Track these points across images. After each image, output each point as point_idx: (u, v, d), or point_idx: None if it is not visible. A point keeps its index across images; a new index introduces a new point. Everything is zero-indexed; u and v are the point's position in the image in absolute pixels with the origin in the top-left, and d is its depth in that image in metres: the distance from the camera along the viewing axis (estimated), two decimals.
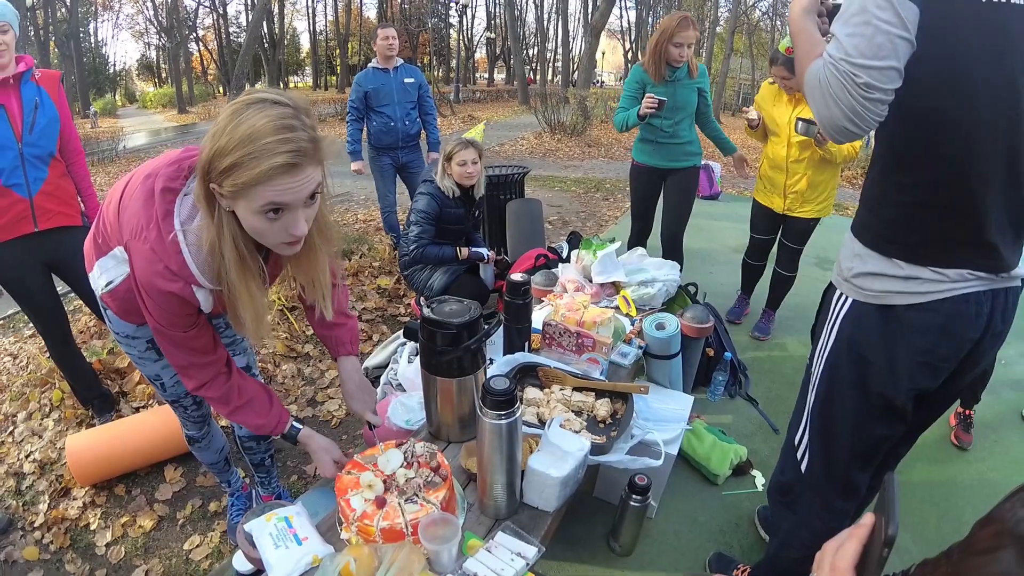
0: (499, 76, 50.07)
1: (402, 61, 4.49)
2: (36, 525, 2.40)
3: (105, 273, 1.40)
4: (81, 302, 3.54)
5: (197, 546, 2.24)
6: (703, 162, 7.71)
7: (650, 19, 41.94)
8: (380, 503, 1.35)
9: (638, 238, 3.94)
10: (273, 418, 1.57)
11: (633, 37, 45.61)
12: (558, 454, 1.46)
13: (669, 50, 3.25)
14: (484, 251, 3.52)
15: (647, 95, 3.30)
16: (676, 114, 3.43)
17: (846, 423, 1.42)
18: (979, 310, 1.22)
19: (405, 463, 1.45)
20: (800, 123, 3.00)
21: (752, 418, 2.89)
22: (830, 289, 1.46)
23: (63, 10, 28.82)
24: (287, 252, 1.26)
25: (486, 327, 1.65)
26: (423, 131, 4.66)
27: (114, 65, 45.39)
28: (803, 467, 1.59)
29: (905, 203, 1.21)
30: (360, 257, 4.82)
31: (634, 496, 1.90)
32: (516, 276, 2.11)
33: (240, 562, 1.49)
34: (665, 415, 2.17)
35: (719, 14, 26.38)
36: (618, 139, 14.21)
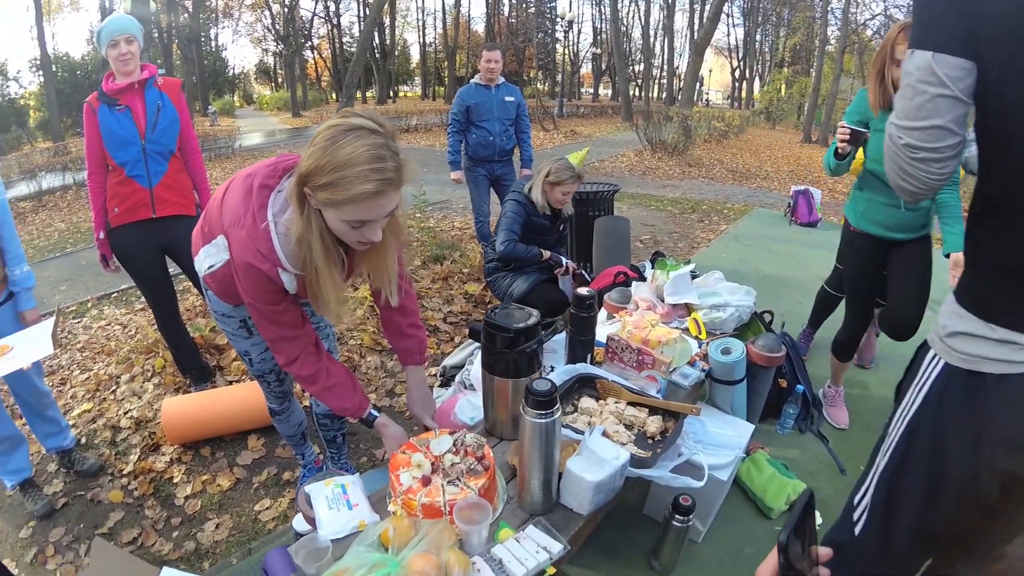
0: (604, 92, 50.01)
1: (503, 80, 4.70)
2: (124, 472, 2.69)
3: (208, 258, 1.60)
4: (190, 283, 3.91)
5: (267, 508, 2.45)
6: (803, 187, 7.50)
7: (758, 36, 40.77)
8: (425, 481, 1.48)
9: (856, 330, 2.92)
10: (355, 403, 1.74)
11: (741, 55, 44.44)
12: (595, 460, 1.52)
13: (893, 70, 2.38)
14: (564, 258, 3.60)
15: (840, 125, 2.50)
16: None
17: (914, 497, 1.25)
18: None
19: (453, 449, 1.57)
20: None
21: (820, 456, 2.78)
22: (924, 347, 1.31)
23: (185, 15, 31.35)
24: (359, 248, 1.46)
25: (542, 334, 1.74)
26: (518, 147, 4.85)
27: (233, 68, 48.39)
28: (856, 530, 1.43)
29: (1000, 262, 1.08)
30: (451, 263, 5.04)
31: (676, 516, 1.92)
32: (582, 290, 2.19)
33: (300, 523, 1.65)
34: (720, 440, 2.17)
35: (829, 33, 25.10)
36: (720, 160, 13.93)
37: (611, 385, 1.99)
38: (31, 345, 1.70)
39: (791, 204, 7.53)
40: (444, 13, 43.57)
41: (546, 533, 1.46)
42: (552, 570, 1.39)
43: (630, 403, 1.94)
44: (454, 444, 1.59)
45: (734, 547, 2.25)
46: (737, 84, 47.43)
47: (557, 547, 1.42)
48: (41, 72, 27.08)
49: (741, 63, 45.30)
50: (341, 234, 1.38)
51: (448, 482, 1.48)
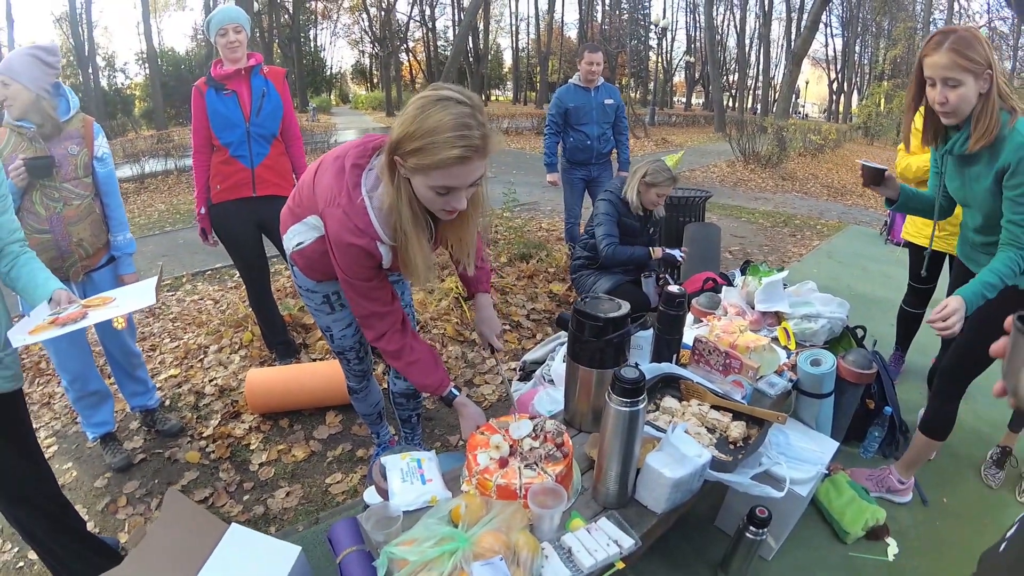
0: (696, 101, 48.96)
1: (603, 80, 4.58)
2: (203, 435, 2.81)
3: (297, 236, 1.70)
4: (283, 264, 4.04)
5: (338, 482, 2.50)
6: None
7: (857, 47, 38.84)
8: (503, 463, 1.47)
9: None
10: (437, 379, 1.76)
11: (839, 67, 42.45)
12: (676, 456, 1.46)
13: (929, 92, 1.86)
14: (677, 253, 3.53)
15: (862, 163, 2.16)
16: None
17: None
18: None
19: (533, 434, 1.55)
20: None
21: None
22: None
23: (286, 16, 32.72)
24: (445, 218, 1.50)
25: (630, 326, 1.70)
26: (614, 150, 4.75)
27: (330, 68, 50.11)
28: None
29: None
30: (538, 262, 5.05)
31: (751, 527, 1.82)
32: (673, 288, 2.12)
33: (371, 496, 1.67)
34: (803, 455, 2.04)
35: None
36: (814, 174, 13.36)
37: (695, 387, 1.92)
38: (133, 298, 1.79)
39: (887, 223, 7.13)
40: (537, 19, 43.74)
41: (618, 527, 1.42)
42: (621, 564, 1.35)
43: (713, 406, 1.87)
44: (534, 430, 1.58)
45: (805, 570, 2.12)
46: (835, 97, 45.35)
47: (628, 542, 1.38)
48: (147, 65, 29.13)
49: (839, 75, 43.28)
50: (428, 202, 1.41)
51: (525, 466, 1.47)
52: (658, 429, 1.69)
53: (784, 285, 2.69)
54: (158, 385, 3.21)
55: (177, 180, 11.57)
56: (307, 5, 37.56)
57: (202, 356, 3.60)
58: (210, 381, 3.26)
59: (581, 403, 1.81)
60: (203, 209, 3.00)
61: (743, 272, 3.66)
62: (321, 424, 2.86)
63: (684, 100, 49.31)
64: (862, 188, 2.69)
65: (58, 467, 2.70)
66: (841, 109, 43.50)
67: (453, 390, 1.79)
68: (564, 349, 2.66)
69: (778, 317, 2.61)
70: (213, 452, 2.69)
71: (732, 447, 1.74)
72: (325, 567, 2.01)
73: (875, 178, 2.09)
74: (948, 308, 1.77)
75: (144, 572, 1.56)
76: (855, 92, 42.57)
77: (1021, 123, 1.73)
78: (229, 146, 2.87)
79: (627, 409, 1.36)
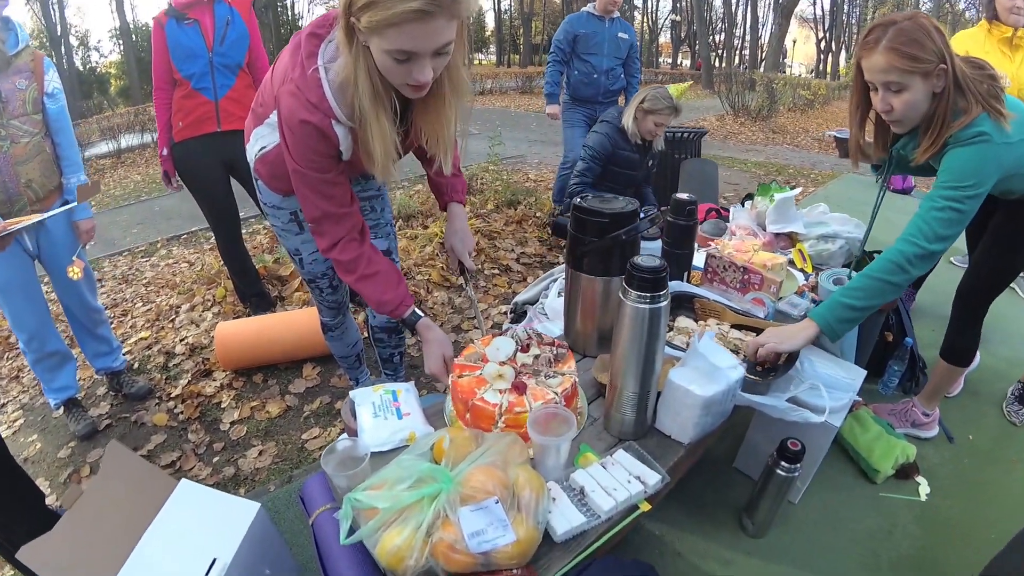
0: (683, 62, 48.11)
1: (618, 14, 4.14)
2: (172, 396, 2.59)
3: (259, 140, 1.52)
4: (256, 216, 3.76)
5: (315, 437, 2.27)
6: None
7: (845, 5, 38.26)
8: (520, 388, 1.22)
9: None
10: (396, 297, 1.49)
11: (827, 26, 41.81)
12: (706, 369, 1.21)
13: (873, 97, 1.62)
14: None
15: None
16: None
17: None
18: None
19: (520, 347, 1.29)
20: None
21: None
22: None
23: None
24: (411, 95, 1.24)
25: (642, 220, 1.44)
26: (623, 93, 4.30)
27: None
28: None
29: None
30: (527, 207, 4.80)
31: (782, 463, 1.57)
32: (682, 194, 1.85)
33: (343, 441, 1.41)
34: (832, 382, 1.81)
35: (920, 5, 23.27)
36: (805, 128, 13.07)
37: (713, 305, 1.68)
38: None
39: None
40: None
41: (640, 460, 1.18)
42: (647, 506, 1.11)
43: (734, 326, 1.63)
44: (515, 343, 1.33)
45: (833, 513, 1.91)
46: (822, 56, 44.77)
47: (654, 477, 1.14)
48: (121, 41, 28.13)
49: (827, 34, 42.62)
50: (388, 72, 1.18)
51: (544, 377, 1.24)
52: (674, 347, 1.45)
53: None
54: (128, 349, 3.00)
55: (154, 153, 11.25)
56: None
57: (173, 316, 3.35)
58: (181, 340, 3.03)
59: (585, 323, 1.56)
60: (165, 150, 2.78)
61: (744, 204, 3.42)
62: (298, 377, 2.62)
63: (670, 60, 48.48)
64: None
65: (23, 440, 2.50)
66: (829, 69, 42.96)
67: (417, 311, 1.53)
68: (558, 285, 2.43)
69: (791, 240, 2.38)
70: (182, 413, 2.48)
71: (759, 369, 1.50)
72: (301, 529, 1.78)
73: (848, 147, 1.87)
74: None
75: (79, 537, 1.32)
76: (843, 51, 42.06)
77: (972, 128, 1.43)
78: (191, 78, 2.65)
79: (646, 306, 1.10)
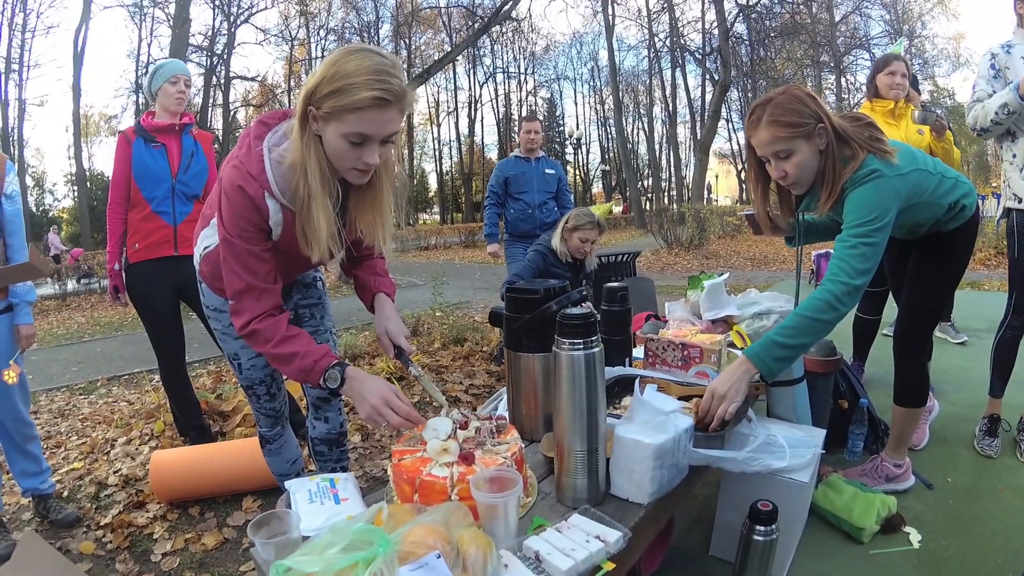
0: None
1: (543, 153, 4.53)
2: (101, 524, 2.40)
3: (204, 240, 1.56)
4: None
5: (253, 570, 2.06)
6: (824, 250, 7.29)
7: None
8: (469, 458, 1.17)
9: None
10: (321, 350, 1.40)
11: (744, 158, 45.53)
12: (652, 419, 1.18)
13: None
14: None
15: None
16: None
17: None
18: None
19: (458, 425, 1.26)
20: (916, 113, 2.71)
21: None
22: None
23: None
24: (356, 180, 1.36)
25: (573, 291, 1.48)
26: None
27: None
28: None
29: None
30: (474, 344, 4.87)
31: (757, 528, 1.49)
32: (613, 283, 1.92)
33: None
34: (793, 442, 1.77)
35: None
36: (736, 251, 13.85)
37: (656, 381, 1.67)
38: None
39: (814, 269, 7.40)
40: (459, 142, 45.57)
41: (598, 521, 1.12)
42: (610, 565, 1.04)
43: (681, 398, 1.62)
44: (453, 421, 1.28)
45: None
46: (744, 187, 48.51)
47: (615, 535, 1.07)
48: (76, 187, 28.37)
49: (745, 165, 46.43)
50: (339, 154, 1.30)
51: (485, 451, 1.20)
52: (616, 417, 1.42)
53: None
54: (58, 479, 2.80)
55: (100, 299, 11.50)
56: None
57: (109, 449, 3.17)
58: (115, 472, 2.83)
59: (529, 403, 1.53)
60: (116, 265, 2.77)
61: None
62: (237, 510, 2.43)
63: None
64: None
65: None
66: (752, 198, 46.37)
67: (345, 361, 1.43)
68: (502, 403, 2.38)
69: (728, 324, 2.44)
70: (111, 542, 2.28)
71: (712, 434, 1.48)
72: None
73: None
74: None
75: None
76: None
77: (863, 168, 1.60)
78: (152, 201, 2.71)
79: (581, 352, 1.10)
